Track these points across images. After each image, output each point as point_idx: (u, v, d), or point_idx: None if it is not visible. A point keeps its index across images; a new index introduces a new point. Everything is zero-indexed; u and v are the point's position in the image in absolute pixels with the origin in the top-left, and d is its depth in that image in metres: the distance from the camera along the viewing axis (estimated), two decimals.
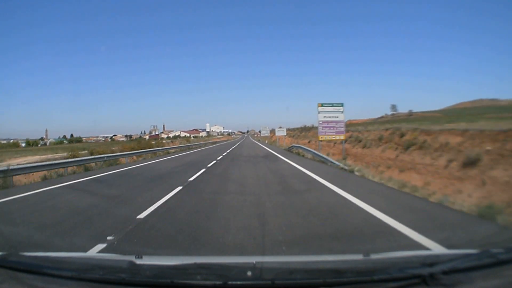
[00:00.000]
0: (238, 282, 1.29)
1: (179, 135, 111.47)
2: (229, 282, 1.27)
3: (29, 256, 1.76)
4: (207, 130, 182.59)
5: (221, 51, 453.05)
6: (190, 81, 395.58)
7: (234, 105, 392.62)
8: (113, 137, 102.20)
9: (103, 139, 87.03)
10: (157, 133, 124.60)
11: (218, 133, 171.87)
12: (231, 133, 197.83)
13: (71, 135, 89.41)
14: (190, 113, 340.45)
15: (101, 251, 3.18)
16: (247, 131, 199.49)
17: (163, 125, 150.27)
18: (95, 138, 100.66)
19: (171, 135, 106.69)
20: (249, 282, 1.31)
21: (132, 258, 1.71)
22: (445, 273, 1.28)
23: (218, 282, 1.26)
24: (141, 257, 1.76)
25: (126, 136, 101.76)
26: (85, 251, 3.11)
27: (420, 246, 2.99)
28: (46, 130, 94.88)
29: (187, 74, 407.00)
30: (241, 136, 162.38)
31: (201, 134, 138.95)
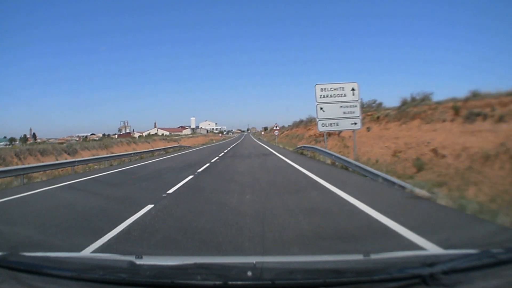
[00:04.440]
0: (239, 282, 1.29)
1: (156, 133, 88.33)
2: (229, 282, 1.27)
3: (29, 256, 1.77)
4: (193, 126, 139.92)
5: (220, 51, 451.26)
6: (185, 77, 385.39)
7: (234, 102, 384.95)
8: (90, 136, 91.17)
9: (77, 139, 79.29)
10: (128, 131, 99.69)
11: (208, 130, 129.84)
12: (228, 131, 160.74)
13: (34, 134, 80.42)
14: (184, 110, 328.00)
15: None
16: (248, 129, 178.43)
17: (155, 123, 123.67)
18: (69, 138, 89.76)
19: (145, 133, 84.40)
20: (249, 282, 1.31)
21: (132, 258, 1.71)
22: (445, 273, 1.28)
23: (218, 282, 1.27)
24: (141, 257, 1.77)
25: (103, 135, 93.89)
26: None
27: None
28: (31, 129, 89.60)
29: (185, 71, 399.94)
30: (239, 135, 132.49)
31: (184, 132, 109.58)
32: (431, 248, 3.00)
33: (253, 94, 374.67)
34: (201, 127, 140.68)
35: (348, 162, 9.75)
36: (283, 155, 16.85)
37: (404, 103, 17.31)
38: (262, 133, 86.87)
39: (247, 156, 18.67)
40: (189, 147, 38.82)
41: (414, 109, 15.44)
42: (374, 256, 1.75)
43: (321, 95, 12.84)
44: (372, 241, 3.49)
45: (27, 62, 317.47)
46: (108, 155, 19.30)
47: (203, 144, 52.18)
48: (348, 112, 12.63)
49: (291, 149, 23.04)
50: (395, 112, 17.38)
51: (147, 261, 1.78)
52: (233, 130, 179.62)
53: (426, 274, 1.26)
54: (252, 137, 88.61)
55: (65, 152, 23.26)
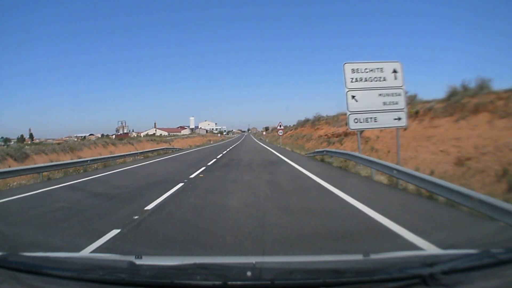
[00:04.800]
0: (238, 282, 1.29)
1: (154, 133, 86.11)
2: (229, 282, 1.27)
3: (29, 256, 1.76)
4: (192, 126, 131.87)
5: (220, 51, 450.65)
6: (185, 77, 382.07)
7: (234, 102, 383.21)
8: (88, 136, 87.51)
9: (75, 139, 77.43)
10: (125, 131, 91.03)
11: (207, 131, 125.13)
12: (229, 131, 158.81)
13: (31, 135, 77.61)
14: (183, 110, 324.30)
15: None
16: (248, 129, 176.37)
17: (154, 123, 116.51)
18: (68, 138, 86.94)
19: (143, 133, 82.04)
20: (249, 282, 1.31)
21: (132, 258, 1.71)
22: (445, 273, 1.28)
23: (217, 282, 1.27)
24: (141, 257, 1.77)
25: (102, 135, 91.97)
26: None
27: None
28: (30, 129, 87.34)
29: (184, 71, 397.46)
30: (239, 135, 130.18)
31: (183, 132, 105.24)
32: (431, 248, 3.00)
33: (253, 94, 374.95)
34: (200, 127, 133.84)
35: (451, 192, 4.55)
36: (300, 165, 11.91)
37: (454, 93, 13.48)
38: (264, 133, 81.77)
39: (248, 166, 12.86)
40: (180, 150, 32.48)
41: (473, 100, 11.49)
42: (374, 256, 1.75)
43: (352, 79, 9.06)
44: None
45: (27, 62, 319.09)
46: (38, 165, 12.28)
47: (198, 146, 44.75)
48: (390, 103, 8.99)
49: (302, 153, 18.49)
50: (441, 104, 13.54)
51: (147, 261, 1.78)
52: (233, 130, 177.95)
53: (426, 274, 1.26)
54: (253, 137, 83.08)
55: (11, 157, 17.25)
